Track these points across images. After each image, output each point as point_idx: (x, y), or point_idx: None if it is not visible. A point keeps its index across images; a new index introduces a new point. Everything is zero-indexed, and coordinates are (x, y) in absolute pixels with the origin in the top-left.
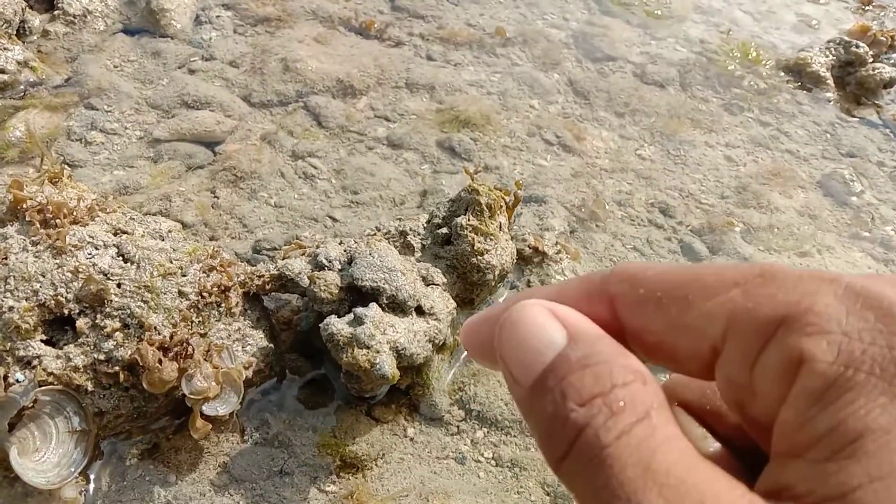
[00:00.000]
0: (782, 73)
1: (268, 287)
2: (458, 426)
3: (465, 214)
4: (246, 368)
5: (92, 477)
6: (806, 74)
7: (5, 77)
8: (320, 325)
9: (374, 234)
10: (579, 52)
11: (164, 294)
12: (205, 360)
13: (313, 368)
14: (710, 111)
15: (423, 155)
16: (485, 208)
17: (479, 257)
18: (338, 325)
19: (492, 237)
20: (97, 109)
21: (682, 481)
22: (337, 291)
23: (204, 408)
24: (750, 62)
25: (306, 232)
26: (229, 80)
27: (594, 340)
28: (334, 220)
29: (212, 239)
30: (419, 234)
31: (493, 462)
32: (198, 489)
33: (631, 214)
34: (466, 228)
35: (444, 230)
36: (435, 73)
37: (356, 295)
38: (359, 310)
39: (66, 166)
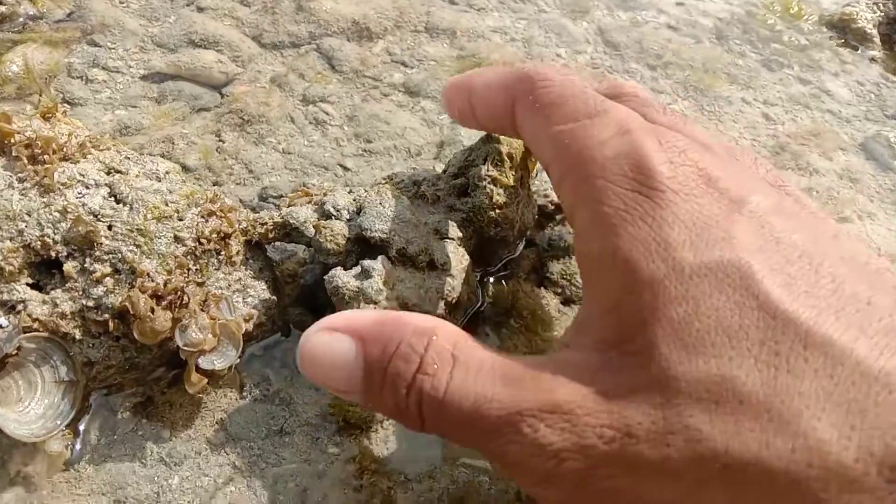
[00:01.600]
0: (825, 29)
1: (271, 235)
2: None
3: (483, 164)
4: (246, 321)
5: (81, 430)
6: (850, 31)
7: (3, 9)
8: (325, 277)
9: (385, 183)
10: (611, 1)
11: (159, 238)
12: (201, 310)
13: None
14: (747, 66)
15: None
16: (505, 158)
17: (497, 210)
18: (343, 278)
19: (512, 190)
20: (100, 46)
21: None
22: (344, 242)
23: (200, 361)
24: (791, 17)
25: (315, 180)
26: (239, 20)
27: (380, 329)
28: (345, 168)
29: (215, 184)
30: (433, 185)
31: None
32: (193, 447)
33: None
34: (485, 179)
35: (461, 180)
36: (457, 17)
37: (364, 247)
38: (366, 262)
39: (65, 104)
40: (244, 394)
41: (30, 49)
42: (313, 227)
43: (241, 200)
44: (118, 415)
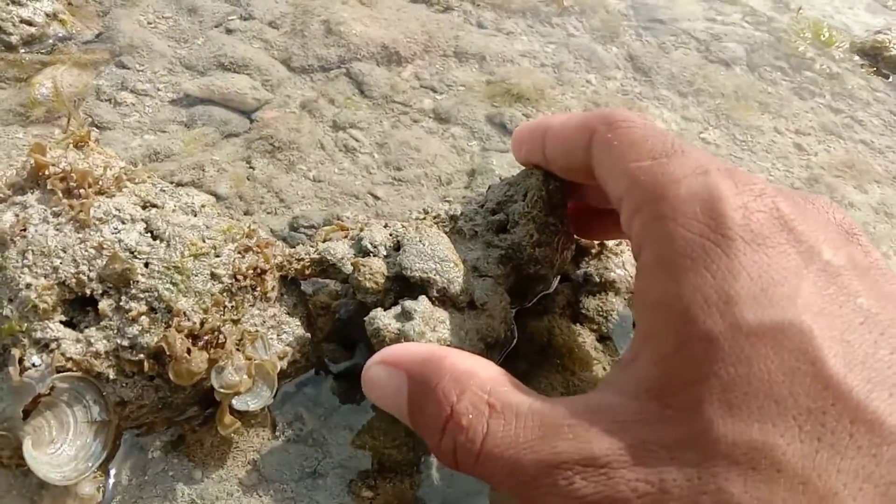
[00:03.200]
0: (856, 57)
1: (307, 272)
2: None
3: (523, 200)
4: (280, 359)
5: (112, 472)
6: (883, 59)
7: (33, 30)
8: (365, 318)
9: (424, 218)
10: (640, 25)
11: (196, 276)
12: (237, 349)
13: (350, 359)
14: (778, 94)
15: (472, 130)
16: (545, 194)
17: (537, 248)
18: (384, 320)
19: (553, 227)
20: (128, 68)
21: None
22: (383, 281)
23: (234, 402)
24: (822, 43)
25: (347, 210)
26: (268, 42)
27: (422, 370)
28: (376, 197)
29: (246, 213)
30: (471, 220)
31: None
32: (225, 488)
33: None
34: (525, 216)
35: (499, 216)
36: (486, 41)
37: (403, 285)
38: (408, 304)
39: (94, 128)
40: (277, 433)
41: (59, 71)
42: (351, 264)
43: (272, 230)
44: (149, 454)
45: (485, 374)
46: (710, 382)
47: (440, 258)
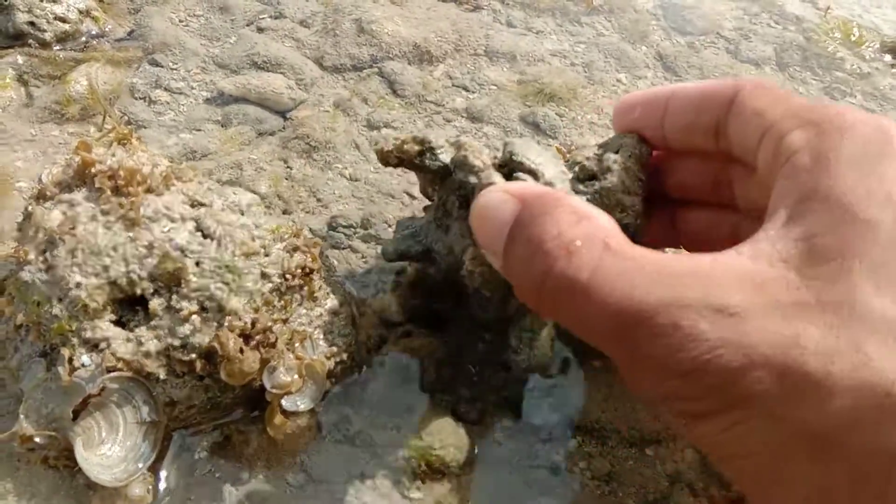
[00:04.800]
0: (888, 57)
1: (405, 147)
2: (549, 432)
3: (615, 154)
4: (328, 359)
5: (162, 473)
6: None
7: (66, 27)
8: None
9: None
10: (669, 24)
11: (247, 275)
12: (287, 349)
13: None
14: (809, 94)
15: (505, 130)
16: (638, 156)
17: (626, 196)
18: (498, 178)
19: (640, 183)
20: (162, 66)
21: (675, 271)
22: (489, 162)
23: (283, 402)
24: (852, 43)
25: (385, 209)
26: (300, 41)
27: (538, 199)
28: (412, 197)
29: (285, 213)
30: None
31: (587, 474)
32: (272, 488)
33: None
34: (618, 164)
35: (589, 167)
36: (515, 41)
37: (507, 176)
38: (522, 175)
39: (131, 127)
40: (323, 434)
41: (93, 68)
42: (453, 144)
43: (311, 230)
44: (195, 455)
45: (605, 220)
46: (862, 260)
47: (550, 156)
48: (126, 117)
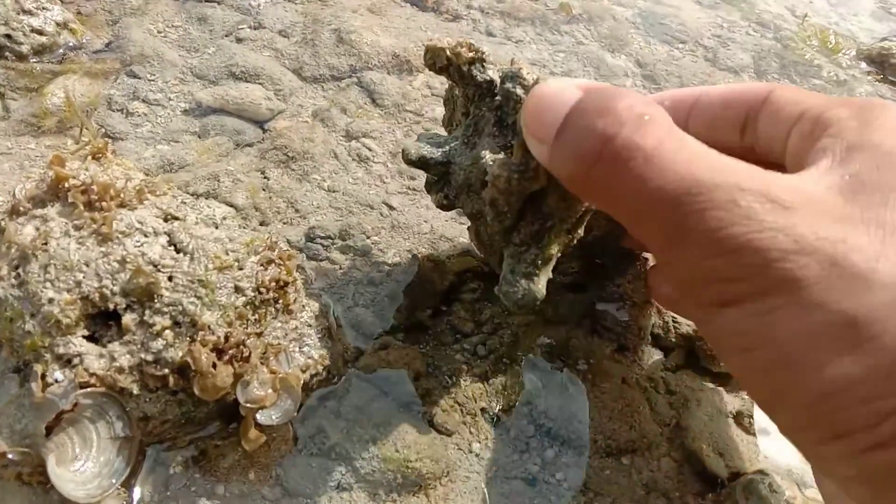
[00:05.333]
0: (863, 64)
1: (445, 55)
2: (526, 443)
3: None
4: (303, 372)
5: (136, 488)
6: (889, 66)
7: (44, 39)
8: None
9: None
10: (648, 33)
11: (220, 289)
12: (261, 363)
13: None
14: None
15: None
16: None
17: None
18: None
19: None
20: (139, 78)
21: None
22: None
23: (258, 416)
24: (829, 50)
25: (363, 220)
26: (279, 51)
27: (602, 89)
28: (391, 207)
29: (262, 224)
30: None
31: (564, 485)
32: (248, 502)
33: None
34: None
35: None
36: (494, 49)
37: None
38: None
39: (107, 138)
40: (299, 447)
41: (70, 81)
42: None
43: (288, 241)
44: (170, 469)
45: (664, 112)
46: None
47: None
48: (103, 129)
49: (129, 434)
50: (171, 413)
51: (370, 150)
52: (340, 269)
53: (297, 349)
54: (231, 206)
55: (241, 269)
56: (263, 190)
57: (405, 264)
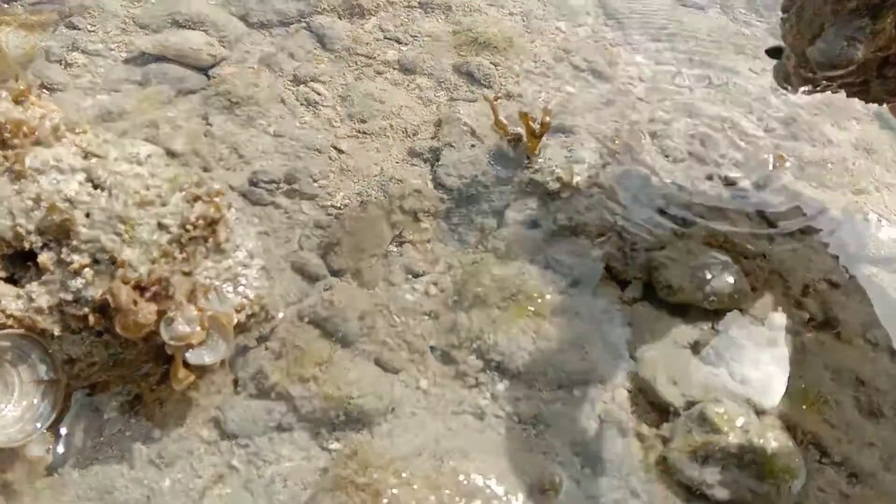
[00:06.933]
0: None
1: None
2: (476, 378)
3: None
4: (238, 312)
5: (63, 432)
6: None
7: None
8: None
9: None
10: None
11: (141, 226)
12: (188, 301)
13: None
14: (754, 36)
15: (439, 81)
16: None
17: None
18: None
19: None
20: (79, 29)
21: None
22: None
23: (188, 355)
24: None
25: (310, 164)
26: None
27: None
28: (340, 151)
29: (204, 170)
30: None
31: (515, 418)
32: (185, 446)
33: (669, 147)
34: None
35: None
36: None
37: None
38: None
39: (43, 90)
40: (238, 389)
41: (4, 33)
42: None
43: (231, 186)
44: (104, 415)
45: None
46: None
47: None
48: (40, 81)
49: (53, 377)
50: (98, 355)
51: (319, 94)
52: (286, 213)
53: (230, 289)
54: (170, 152)
55: (164, 205)
56: (205, 136)
57: (354, 207)
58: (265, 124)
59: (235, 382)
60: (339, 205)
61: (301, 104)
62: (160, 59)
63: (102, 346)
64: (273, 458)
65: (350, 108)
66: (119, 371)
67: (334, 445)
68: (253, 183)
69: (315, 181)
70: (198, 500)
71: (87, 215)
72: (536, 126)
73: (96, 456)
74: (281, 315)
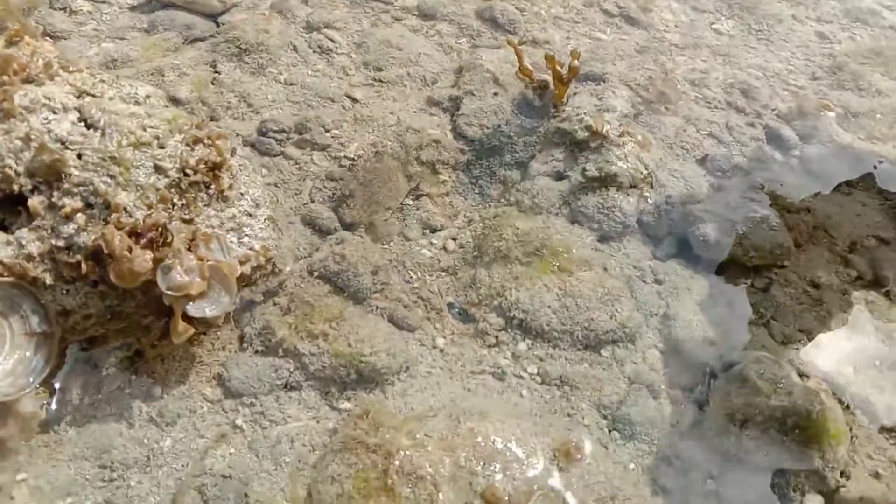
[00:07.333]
0: None
1: None
2: (496, 336)
3: None
4: (242, 263)
5: (57, 387)
6: None
7: None
8: None
9: None
10: None
11: (137, 168)
12: (187, 250)
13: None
14: None
15: (460, 27)
16: None
17: None
18: None
19: None
20: None
21: None
22: None
23: (189, 308)
24: None
25: (322, 113)
26: None
27: None
28: (354, 100)
29: (211, 119)
30: None
31: (537, 379)
32: (187, 405)
33: (707, 96)
34: None
35: None
36: None
37: None
38: None
39: (47, 38)
40: (244, 345)
41: None
42: None
43: (238, 135)
44: (103, 371)
45: None
46: None
47: None
48: (43, 28)
49: (47, 329)
50: (94, 307)
51: (333, 41)
52: (296, 164)
53: (234, 239)
54: (175, 100)
55: (162, 147)
56: (213, 84)
57: (368, 158)
58: (276, 72)
59: (241, 339)
60: (352, 156)
61: (314, 51)
62: (168, 5)
63: (98, 297)
64: (280, 418)
65: (365, 55)
66: (117, 324)
67: (345, 405)
68: (262, 133)
69: (327, 131)
70: (199, 461)
71: (80, 156)
72: (564, 71)
73: (94, 413)
74: (289, 269)
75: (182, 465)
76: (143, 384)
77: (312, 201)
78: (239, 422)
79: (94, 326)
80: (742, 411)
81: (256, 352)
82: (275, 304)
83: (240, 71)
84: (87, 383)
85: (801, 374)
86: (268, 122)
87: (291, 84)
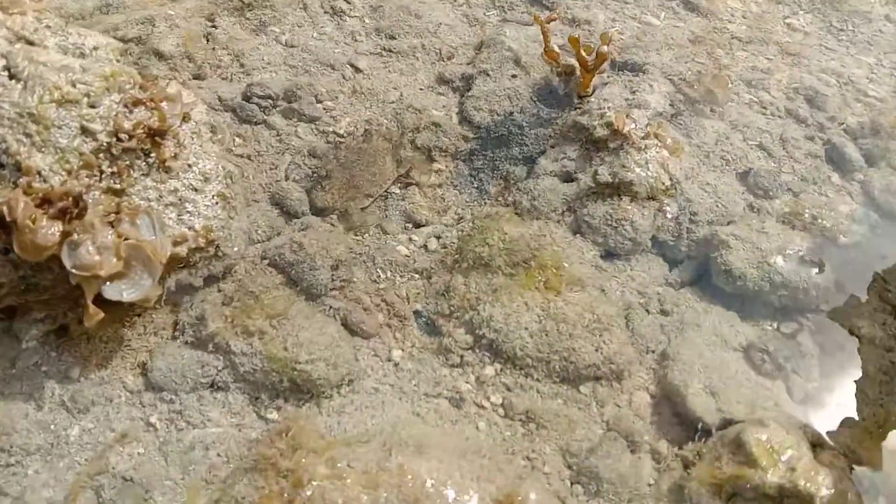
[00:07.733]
0: None
1: None
2: (461, 356)
3: None
4: (177, 244)
5: None
6: None
7: None
8: None
9: None
10: None
11: (59, 128)
12: (105, 224)
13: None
14: None
15: (495, 1)
16: None
17: None
18: None
19: None
20: None
21: None
22: None
23: (105, 289)
24: None
25: (318, 81)
26: None
27: None
28: (357, 69)
29: (196, 77)
30: None
31: (500, 411)
32: (104, 391)
33: (763, 100)
34: None
35: None
36: None
37: None
38: None
39: None
40: (177, 334)
41: None
42: None
43: (219, 98)
44: (23, 343)
45: None
46: None
47: None
48: None
49: None
50: (6, 276)
51: (347, 2)
52: (278, 135)
53: (174, 215)
54: (157, 53)
55: (92, 106)
56: (206, 39)
57: (357, 136)
58: (278, 31)
59: (175, 326)
60: (342, 132)
61: (325, 12)
62: None
63: (11, 266)
64: (198, 421)
65: (380, 20)
66: (37, 296)
67: (273, 415)
68: (246, 97)
69: (319, 101)
70: (102, 457)
71: None
72: (591, 58)
73: (2, 390)
74: (236, 250)
75: (86, 460)
76: (62, 363)
77: (287, 179)
78: (154, 419)
79: (9, 297)
80: (732, 483)
81: (186, 343)
82: (219, 291)
83: (239, 27)
84: (3, 356)
85: (815, 445)
86: (254, 87)
87: (292, 46)
